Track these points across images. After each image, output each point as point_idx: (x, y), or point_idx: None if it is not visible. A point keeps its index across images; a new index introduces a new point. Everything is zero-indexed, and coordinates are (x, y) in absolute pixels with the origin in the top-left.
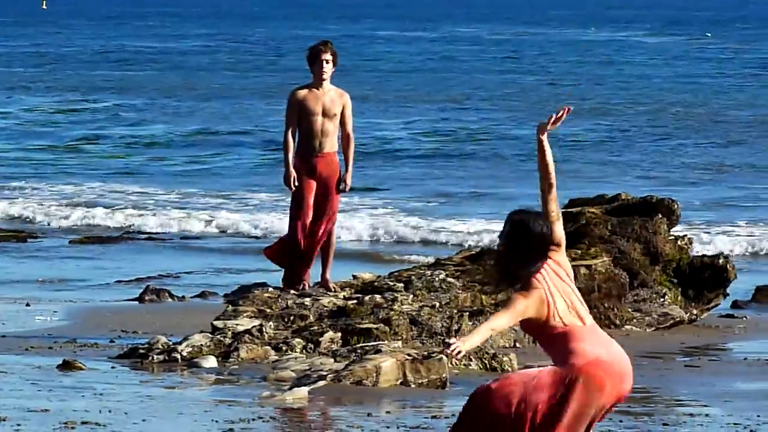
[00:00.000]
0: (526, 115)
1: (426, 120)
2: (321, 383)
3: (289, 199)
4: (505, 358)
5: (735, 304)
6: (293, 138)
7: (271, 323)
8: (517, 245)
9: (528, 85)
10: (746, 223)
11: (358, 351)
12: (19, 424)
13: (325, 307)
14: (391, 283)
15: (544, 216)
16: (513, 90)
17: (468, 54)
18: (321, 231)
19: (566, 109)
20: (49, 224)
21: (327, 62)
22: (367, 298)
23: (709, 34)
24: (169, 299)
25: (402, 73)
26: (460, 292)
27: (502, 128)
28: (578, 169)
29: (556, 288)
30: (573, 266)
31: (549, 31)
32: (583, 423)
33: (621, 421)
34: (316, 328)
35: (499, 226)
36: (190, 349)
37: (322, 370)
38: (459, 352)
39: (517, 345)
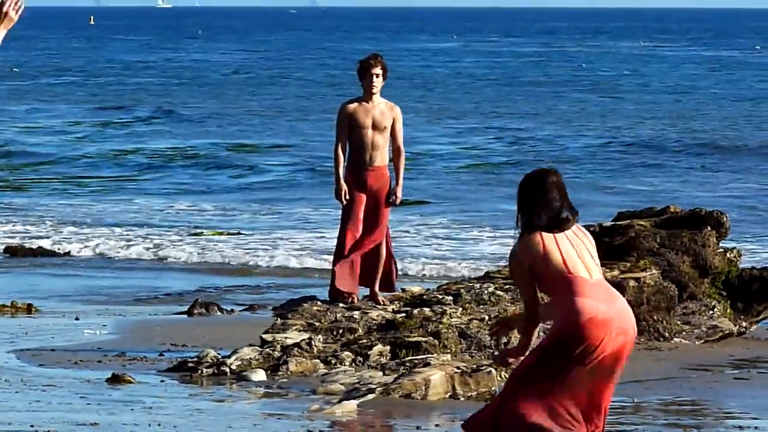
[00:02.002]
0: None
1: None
2: (370, 396)
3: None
4: None
5: None
6: (344, 152)
7: (320, 336)
8: (523, 192)
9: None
10: None
11: (407, 364)
12: None
13: (374, 320)
14: (440, 296)
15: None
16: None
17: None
18: (370, 244)
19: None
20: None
21: (377, 76)
22: (416, 311)
23: (758, 47)
24: (218, 312)
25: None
26: (509, 304)
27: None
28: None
29: (569, 240)
30: (621, 278)
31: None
32: (586, 375)
33: (670, 429)
34: (365, 341)
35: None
36: (239, 362)
37: (371, 384)
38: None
39: None
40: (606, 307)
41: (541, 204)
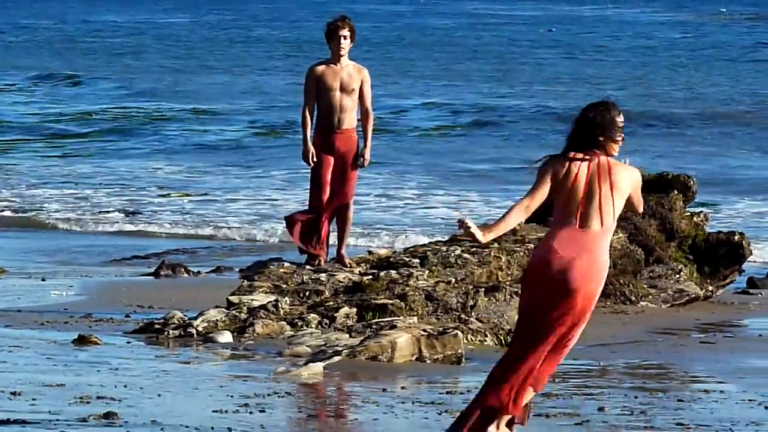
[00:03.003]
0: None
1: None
2: (336, 359)
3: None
4: None
5: (751, 281)
6: (311, 114)
7: (286, 299)
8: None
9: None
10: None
11: (374, 327)
12: (34, 399)
13: (341, 282)
14: (407, 259)
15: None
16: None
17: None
18: (338, 207)
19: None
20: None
21: (345, 38)
22: (382, 273)
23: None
24: (185, 274)
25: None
26: (475, 267)
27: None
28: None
29: (589, 183)
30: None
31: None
32: (539, 318)
33: (636, 397)
34: (331, 303)
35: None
36: (205, 324)
37: (337, 346)
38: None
39: None
40: (557, 258)
41: (589, 123)
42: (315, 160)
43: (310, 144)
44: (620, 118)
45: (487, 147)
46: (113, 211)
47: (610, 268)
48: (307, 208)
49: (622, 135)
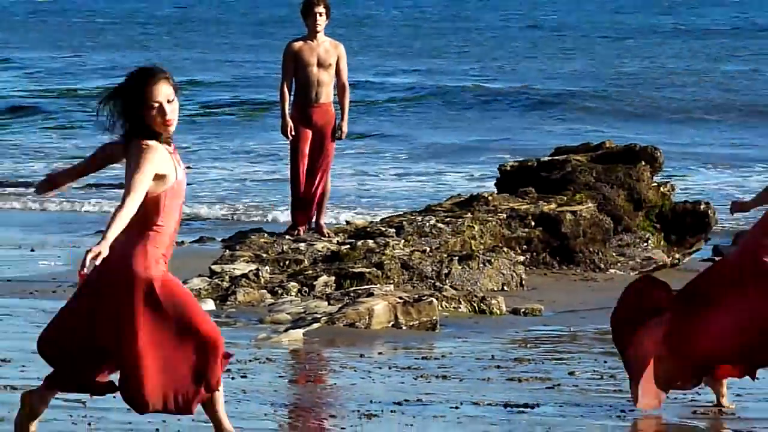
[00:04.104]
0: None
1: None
2: (315, 325)
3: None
4: (493, 301)
5: (716, 249)
6: (289, 90)
7: (267, 267)
8: None
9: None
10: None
11: (351, 294)
12: (23, 366)
13: (320, 251)
14: (383, 229)
15: None
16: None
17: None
18: (317, 178)
19: None
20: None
21: (320, 15)
22: (360, 243)
23: None
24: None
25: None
26: (449, 237)
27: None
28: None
29: None
30: (558, 212)
31: None
32: None
33: (605, 362)
34: (310, 272)
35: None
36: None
37: (316, 313)
38: None
39: (505, 288)
40: None
41: None
42: (293, 133)
43: (288, 118)
44: None
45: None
46: (98, 185)
47: (579, 237)
48: (290, 181)
49: None
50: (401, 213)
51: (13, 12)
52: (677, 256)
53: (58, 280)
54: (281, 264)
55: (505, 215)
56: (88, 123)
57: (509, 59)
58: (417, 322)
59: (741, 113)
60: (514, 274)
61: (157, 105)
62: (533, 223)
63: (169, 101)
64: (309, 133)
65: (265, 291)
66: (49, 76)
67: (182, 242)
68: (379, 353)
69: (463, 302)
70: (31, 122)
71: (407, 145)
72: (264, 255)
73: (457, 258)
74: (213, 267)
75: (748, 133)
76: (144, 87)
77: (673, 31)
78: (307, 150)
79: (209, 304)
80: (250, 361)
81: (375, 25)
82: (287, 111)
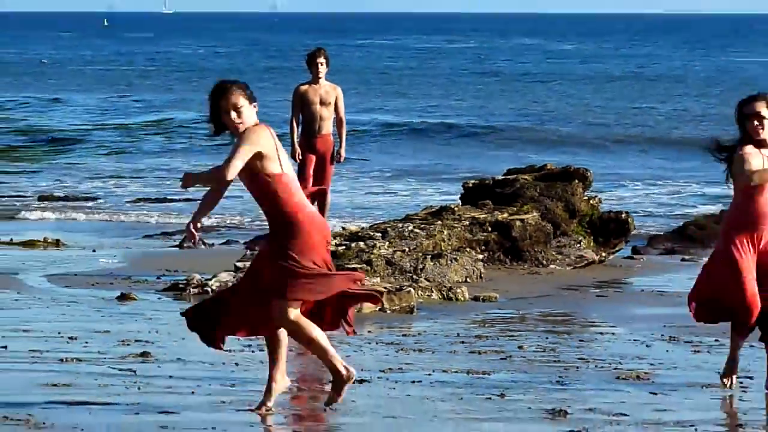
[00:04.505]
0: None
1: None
2: None
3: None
4: (458, 290)
5: (634, 249)
6: (297, 123)
7: None
8: None
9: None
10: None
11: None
12: (86, 342)
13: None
14: (371, 233)
15: None
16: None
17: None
18: (318, 194)
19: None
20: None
21: (321, 64)
22: (353, 244)
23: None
24: (202, 246)
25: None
26: (424, 239)
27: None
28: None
29: None
30: (510, 220)
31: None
32: None
33: (547, 338)
34: None
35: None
36: (218, 284)
37: None
38: None
39: (467, 280)
40: None
41: None
42: (300, 158)
43: (296, 146)
44: None
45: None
46: (146, 199)
47: (527, 239)
48: None
49: None
50: (386, 221)
51: (72, 60)
52: (603, 254)
53: (114, 274)
54: None
55: (467, 222)
56: (132, 148)
57: (466, 99)
58: (398, 307)
59: (647, 142)
60: (475, 269)
61: (227, 112)
62: (490, 229)
63: (236, 108)
64: (313, 158)
65: None
66: (101, 112)
67: (212, 244)
68: (368, 332)
69: (434, 291)
70: (87, 149)
71: (389, 167)
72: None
73: (429, 256)
74: (237, 263)
75: (655, 157)
76: (218, 99)
77: (585, 77)
78: (311, 171)
79: None
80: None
81: (366, 73)
82: (296, 140)
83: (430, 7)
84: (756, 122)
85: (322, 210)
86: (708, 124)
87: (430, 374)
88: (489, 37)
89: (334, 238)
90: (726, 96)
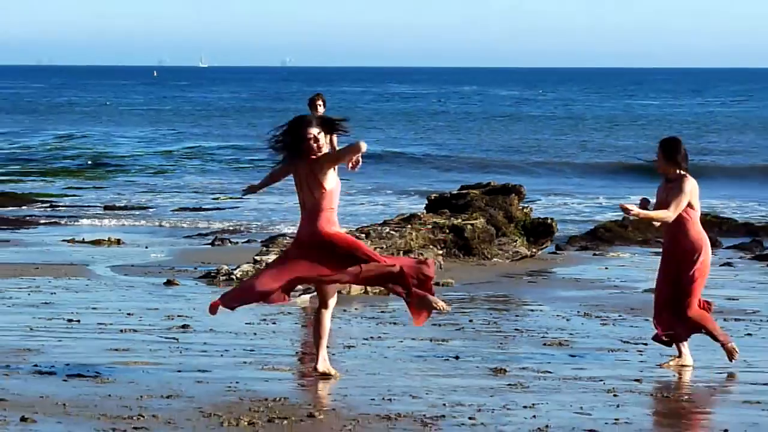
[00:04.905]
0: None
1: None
2: (315, 293)
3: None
4: None
5: (557, 246)
6: None
7: None
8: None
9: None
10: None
11: None
12: (140, 317)
13: None
14: (358, 234)
15: None
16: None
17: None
18: None
19: None
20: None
21: (320, 105)
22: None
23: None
24: (229, 243)
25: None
26: (398, 239)
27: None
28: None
29: None
30: (463, 225)
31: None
32: None
33: (491, 314)
34: None
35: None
36: (241, 272)
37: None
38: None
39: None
40: None
41: None
42: None
43: None
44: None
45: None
46: (185, 208)
47: (476, 239)
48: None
49: None
50: (369, 225)
51: (128, 102)
52: (534, 250)
53: (161, 266)
54: None
55: (431, 226)
56: (173, 168)
57: (425, 133)
58: (378, 290)
59: (565, 165)
60: (436, 261)
61: (311, 138)
62: (447, 231)
63: (316, 137)
64: None
65: None
66: (148, 141)
67: (236, 242)
68: (355, 308)
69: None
70: (140, 170)
71: (373, 183)
72: (285, 250)
73: (402, 252)
74: (255, 257)
75: (573, 176)
76: (300, 128)
77: (512, 115)
78: None
79: None
80: (278, 314)
81: (350, 111)
82: None
83: (423, 62)
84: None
85: None
86: (608, 151)
87: (401, 341)
88: (445, 85)
89: None
90: (622, 130)
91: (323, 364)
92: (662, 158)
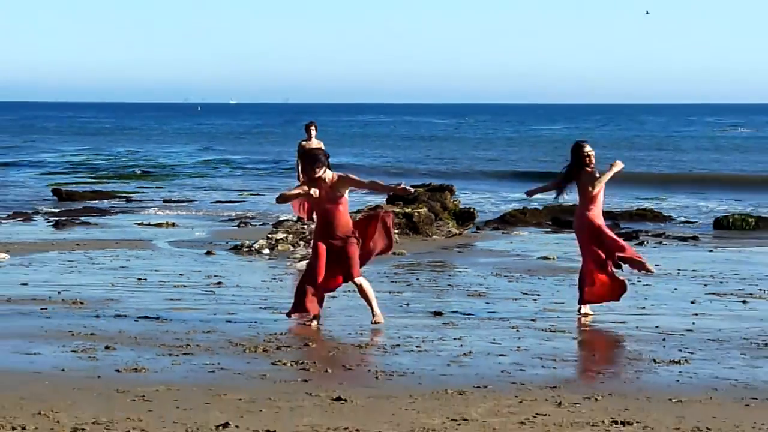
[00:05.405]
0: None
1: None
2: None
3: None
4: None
5: (477, 227)
6: (300, 161)
7: (290, 235)
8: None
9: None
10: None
11: None
12: (188, 277)
13: (311, 228)
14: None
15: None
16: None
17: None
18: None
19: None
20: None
21: (313, 129)
22: None
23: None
24: (251, 225)
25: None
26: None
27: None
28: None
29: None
30: (412, 212)
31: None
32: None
33: (433, 273)
34: (308, 237)
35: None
36: (257, 245)
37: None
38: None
39: None
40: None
41: None
42: (301, 180)
43: (301, 175)
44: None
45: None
46: (220, 201)
47: (421, 222)
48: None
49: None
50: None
51: (176, 128)
52: (461, 230)
53: (203, 241)
54: (297, 234)
55: (392, 213)
56: (211, 173)
57: (384, 151)
58: None
59: (479, 173)
60: (394, 238)
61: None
62: (402, 216)
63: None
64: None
65: (289, 245)
66: (191, 153)
67: (255, 225)
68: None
69: None
70: (187, 174)
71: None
72: (290, 229)
73: None
74: (269, 234)
75: (482, 179)
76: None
77: (451, 137)
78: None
79: (267, 251)
80: (285, 274)
81: (338, 135)
82: (299, 170)
83: (419, 98)
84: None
85: (312, 208)
86: (505, 161)
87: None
88: (397, 115)
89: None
90: (516, 146)
91: (378, 317)
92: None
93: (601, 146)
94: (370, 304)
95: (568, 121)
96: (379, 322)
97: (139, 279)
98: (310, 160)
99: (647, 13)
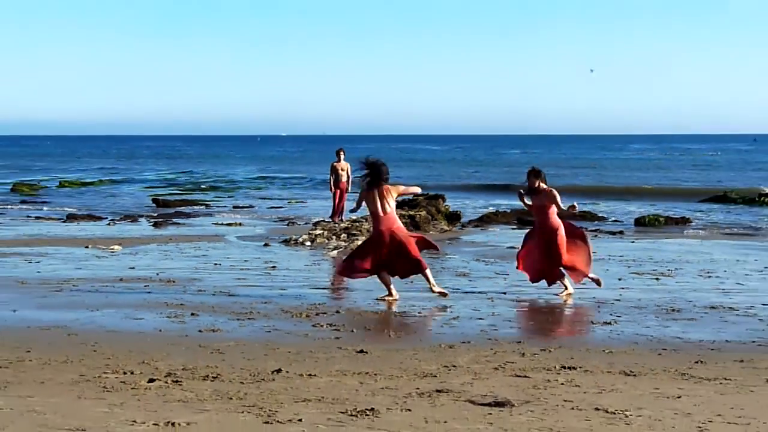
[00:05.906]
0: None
1: None
2: (341, 249)
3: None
4: None
5: (463, 225)
6: (332, 177)
7: (325, 231)
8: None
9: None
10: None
11: (351, 238)
12: (251, 262)
13: (342, 227)
14: (359, 222)
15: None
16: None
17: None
18: (341, 204)
19: None
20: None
21: (342, 153)
22: (353, 224)
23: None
24: (296, 224)
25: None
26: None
27: None
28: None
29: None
30: (415, 214)
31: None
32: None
33: (428, 260)
34: (339, 233)
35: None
36: (302, 239)
37: (340, 245)
38: None
39: None
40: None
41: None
42: (333, 191)
43: (332, 185)
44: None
45: None
46: (274, 206)
47: (421, 221)
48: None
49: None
50: (359, 217)
51: (246, 156)
52: (451, 227)
53: (261, 236)
54: (331, 230)
55: (400, 215)
56: (268, 186)
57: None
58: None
59: (460, 186)
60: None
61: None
62: (408, 217)
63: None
64: (338, 192)
65: (324, 239)
66: (254, 172)
67: (299, 224)
68: (332, 257)
69: None
70: (250, 186)
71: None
72: (326, 227)
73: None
74: (310, 231)
75: (464, 191)
76: (381, 167)
77: (446, 159)
78: (338, 198)
79: (308, 243)
80: (320, 261)
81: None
82: (331, 184)
83: (452, 130)
84: (533, 178)
85: (341, 211)
86: (487, 178)
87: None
88: (417, 143)
89: (345, 222)
90: (487, 167)
91: (436, 288)
92: (533, 179)
93: (555, 166)
94: (388, 286)
95: (523, 147)
96: (443, 293)
97: (215, 264)
98: (385, 170)
99: (591, 71)
